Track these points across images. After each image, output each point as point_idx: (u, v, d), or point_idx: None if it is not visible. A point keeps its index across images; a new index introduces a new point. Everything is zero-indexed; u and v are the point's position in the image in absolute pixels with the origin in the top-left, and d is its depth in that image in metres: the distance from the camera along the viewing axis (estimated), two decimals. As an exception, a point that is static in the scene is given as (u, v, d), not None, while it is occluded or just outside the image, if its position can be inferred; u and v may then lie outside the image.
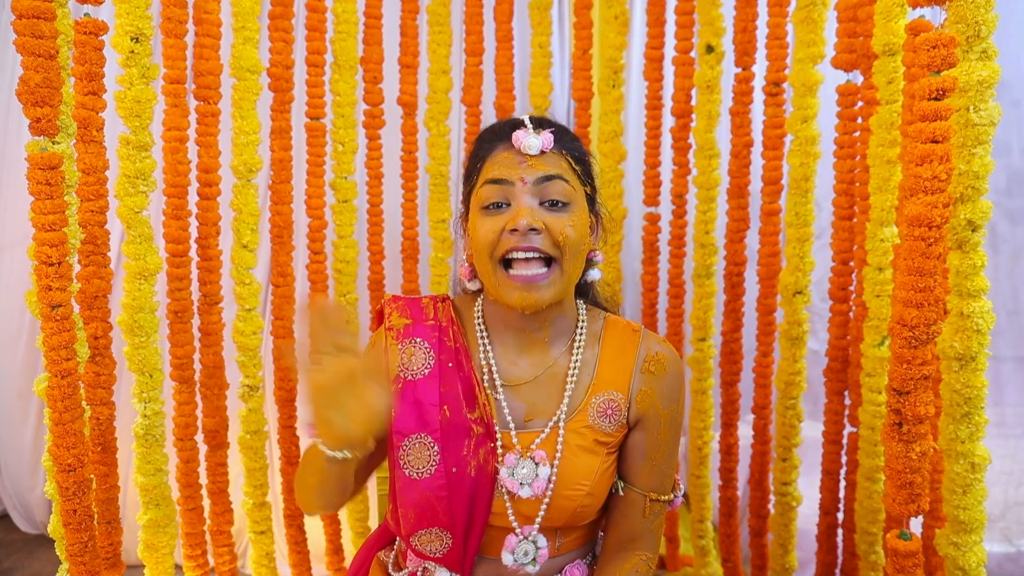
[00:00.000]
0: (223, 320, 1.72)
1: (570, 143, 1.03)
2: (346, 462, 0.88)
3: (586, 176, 1.03)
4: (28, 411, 2.38)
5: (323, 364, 0.80)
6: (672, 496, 1.08)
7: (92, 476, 1.27)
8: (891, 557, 1.15)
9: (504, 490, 1.00)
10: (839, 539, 1.81)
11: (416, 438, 1.00)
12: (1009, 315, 2.30)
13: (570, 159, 1.01)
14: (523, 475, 0.99)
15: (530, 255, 0.96)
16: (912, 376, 1.07)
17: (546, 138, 0.98)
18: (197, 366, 1.71)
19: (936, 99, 1.02)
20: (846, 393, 1.74)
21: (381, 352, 1.06)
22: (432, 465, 0.99)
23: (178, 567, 1.79)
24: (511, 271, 0.97)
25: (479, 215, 0.99)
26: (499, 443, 1.02)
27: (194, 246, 1.67)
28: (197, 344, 1.70)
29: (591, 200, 1.05)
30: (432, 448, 0.99)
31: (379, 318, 1.12)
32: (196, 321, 1.69)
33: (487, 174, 1.00)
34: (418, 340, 1.06)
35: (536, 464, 1.00)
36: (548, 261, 0.97)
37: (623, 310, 2.28)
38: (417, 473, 0.99)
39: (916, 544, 1.14)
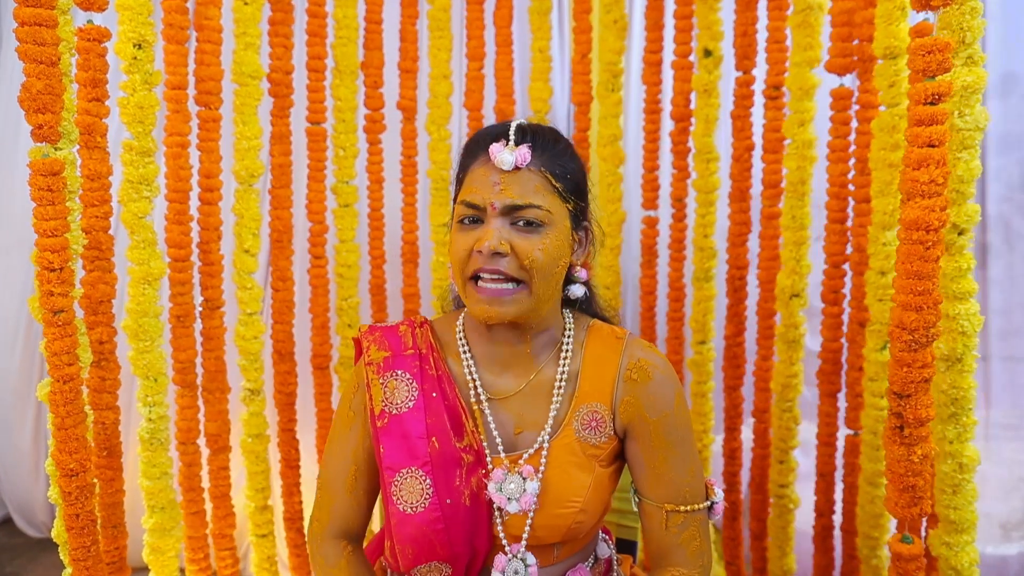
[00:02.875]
0: (224, 324, 1.73)
1: (552, 158, 0.99)
2: None
3: (569, 192, 1.00)
4: (25, 414, 2.38)
5: None
6: (699, 506, 1.03)
7: (95, 481, 1.28)
8: (895, 561, 1.16)
9: (493, 506, 1.00)
10: (836, 541, 1.80)
11: (407, 472, 1.00)
12: (1026, 313, 2.20)
13: (549, 176, 0.98)
14: (511, 490, 0.99)
15: (496, 276, 0.96)
16: (913, 379, 1.08)
17: (521, 154, 0.95)
18: (199, 370, 1.71)
19: (932, 103, 1.03)
20: (840, 395, 1.74)
21: (364, 392, 1.06)
22: (426, 499, 0.99)
23: (180, 571, 1.79)
24: (479, 284, 0.97)
25: (456, 229, 1.01)
26: (490, 467, 1.01)
27: (196, 251, 1.68)
28: (199, 348, 1.71)
29: (576, 216, 1.02)
30: (424, 481, 0.99)
31: (359, 350, 1.11)
32: (198, 325, 1.70)
33: (463, 193, 1.00)
34: (399, 372, 1.05)
35: (524, 479, 0.99)
36: (517, 282, 0.97)
37: (623, 313, 2.28)
38: (411, 508, 0.99)
39: (919, 548, 1.15)
